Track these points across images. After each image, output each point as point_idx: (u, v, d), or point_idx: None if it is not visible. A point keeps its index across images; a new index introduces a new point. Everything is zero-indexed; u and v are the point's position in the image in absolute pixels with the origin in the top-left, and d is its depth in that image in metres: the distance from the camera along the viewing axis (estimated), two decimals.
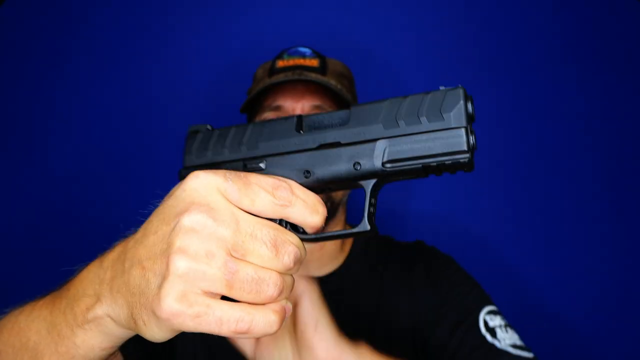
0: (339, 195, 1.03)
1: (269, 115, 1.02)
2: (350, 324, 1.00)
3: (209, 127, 0.55)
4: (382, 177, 0.48)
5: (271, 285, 0.41)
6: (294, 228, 0.48)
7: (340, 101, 1.03)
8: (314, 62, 1.03)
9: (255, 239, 0.42)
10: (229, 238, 0.41)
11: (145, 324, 0.43)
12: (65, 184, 1.38)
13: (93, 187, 1.37)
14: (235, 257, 0.41)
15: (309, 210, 0.45)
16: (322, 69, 1.03)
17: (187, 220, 0.41)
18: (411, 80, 1.43)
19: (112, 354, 0.54)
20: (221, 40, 1.41)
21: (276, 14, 1.43)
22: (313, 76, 1.00)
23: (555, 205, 1.42)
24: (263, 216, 0.44)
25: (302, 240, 0.46)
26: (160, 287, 0.41)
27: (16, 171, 1.39)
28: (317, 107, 1.01)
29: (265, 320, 0.41)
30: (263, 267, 0.42)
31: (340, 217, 1.09)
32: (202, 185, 0.43)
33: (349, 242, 1.15)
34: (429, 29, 1.44)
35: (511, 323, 0.98)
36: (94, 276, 0.50)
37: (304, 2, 1.44)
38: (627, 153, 1.42)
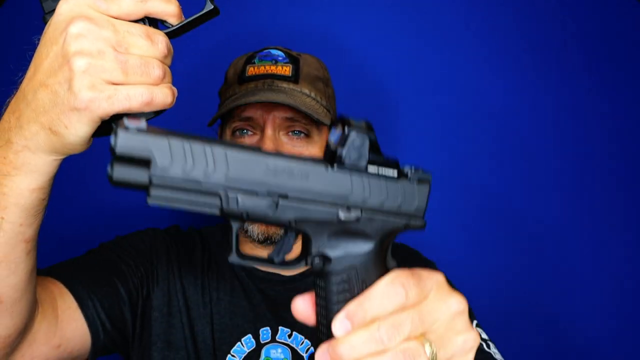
0: None
1: (239, 125, 1.04)
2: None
3: None
4: None
5: (155, 67, 0.52)
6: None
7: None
8: (286, 69, 1.03)
9: (132, 34, 0.51)
10: (112, 37, 0.50)
11: (67, 127, 0.52)
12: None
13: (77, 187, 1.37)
14: (121, 52, 0.50)
15: (165, 0, 0.54)
16: (295, 76, 1.02)
17: (74, 28, 0.49)
18: (397, 80, 1.42)
19: (43, 200, 0.61)
20: (196, 39, 1.39)
21: (253, 11, 1.41)
22: (284, 86, 1.01)
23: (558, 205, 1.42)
24: (130, 18, 0.52)
25: (167, 32, 0.56)
26: (69, 88, 0.49)
27: None
28: (288, 119, 1.01)
29: (162, 92, 0.52)
30: (145, 55, 0.51)
31: None
32: (73, 5, 0.51)
33: None
34: (418, 28, 1.42)
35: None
36: (0, 132, 0.57)
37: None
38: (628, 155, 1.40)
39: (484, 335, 0.97)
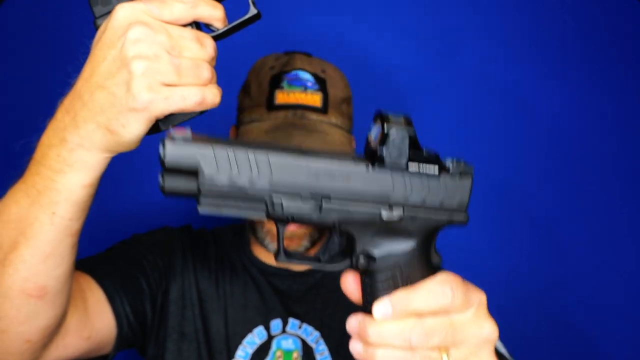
0: None
1: None
2: (330, 316, 1.08)
3: None
4: None
5: (205, 69, 0.55)
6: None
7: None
8: (316, 99, 1.04)
9: (184, 38, 0.54)
10: (166, 41, 0.53)
11: (124, 126, 0.55)
12: None
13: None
14: (174, 55, 0.53)
15: (211, 5, 0.57)
16: (324, 106, 1.04)
17: (132, 34, 0.52)
18: (410, 81, 1.44)
19: (92, 196, 0.63)
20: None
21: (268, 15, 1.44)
22: (314, 118, 1.03)
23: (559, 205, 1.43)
24: (180, 23, 0.56)
25: (213, 36, 0.59)
26: (128, 90, 0.52)
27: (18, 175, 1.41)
28: None
29: (211, 92, 0.55)
30: (196, 58, 0.55)
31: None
32: (130, 11, 0.54)
33: None
34: (428, 30, 1.44)
35: None
36: (54, 131, 0.60)
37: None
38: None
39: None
